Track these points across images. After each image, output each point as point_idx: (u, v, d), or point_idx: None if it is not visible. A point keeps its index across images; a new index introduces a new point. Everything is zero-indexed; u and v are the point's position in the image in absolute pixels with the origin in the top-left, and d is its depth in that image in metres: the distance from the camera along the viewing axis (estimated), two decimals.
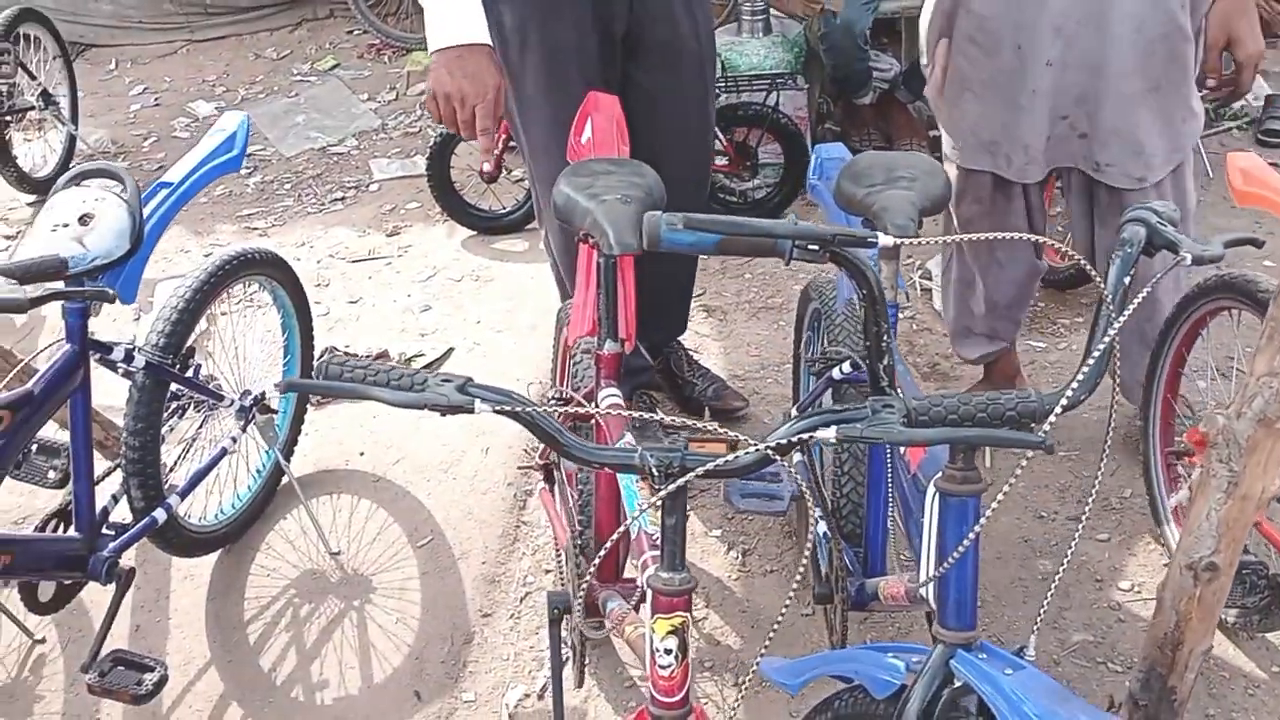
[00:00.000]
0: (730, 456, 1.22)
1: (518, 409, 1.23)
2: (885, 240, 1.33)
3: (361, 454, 2.89)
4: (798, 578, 1.30)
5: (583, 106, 2.17)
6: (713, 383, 2.93)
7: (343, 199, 4.29)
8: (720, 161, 3.78)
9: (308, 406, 2.87)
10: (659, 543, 1.31)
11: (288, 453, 2.75)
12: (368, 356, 3.20)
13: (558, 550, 2.28)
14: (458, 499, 2.73)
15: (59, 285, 1.94)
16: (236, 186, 4.37)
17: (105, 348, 2.13)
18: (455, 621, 2.40)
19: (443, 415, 1.23)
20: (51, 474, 2.22)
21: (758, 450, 1.20)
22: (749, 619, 2.36)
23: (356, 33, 5.67)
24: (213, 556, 2.57)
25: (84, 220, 1.99)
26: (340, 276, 3.74)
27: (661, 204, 1.87)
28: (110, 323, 3.40)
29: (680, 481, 1.21)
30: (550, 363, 2.94)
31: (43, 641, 2.39)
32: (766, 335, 3.28)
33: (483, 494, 2.74)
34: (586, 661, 2.02)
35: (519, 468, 2.75)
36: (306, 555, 2.59)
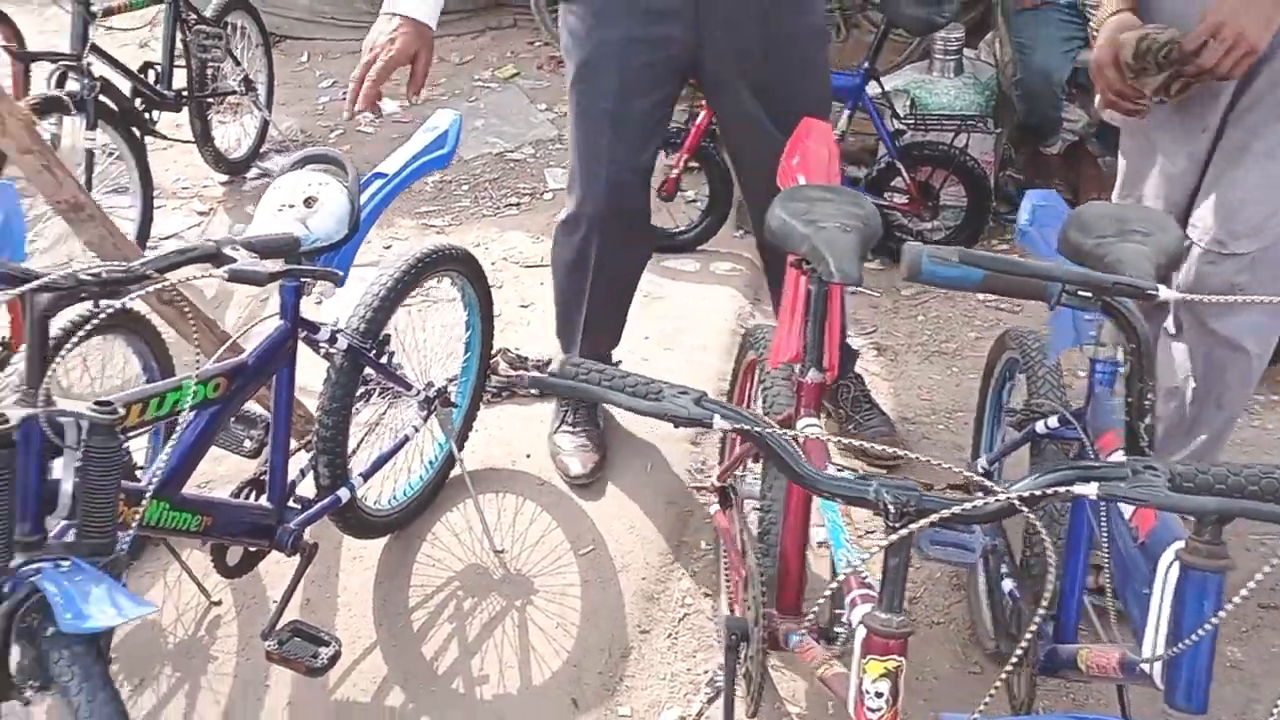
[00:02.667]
0: (973, 503, 1.19)
1: (755, 429, 1.23)
2: (1168, 294, 1.29)
3: (528, 456, 2.92)
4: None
5: (796, 132, 2.17)
6: (881, 427, 2.87)
7: (517, 204, 4.36)
8: (900, 200, 3.73)
9: (480, 403, 2.92)
10: (872, 581, 1.29)
11: (460, 444, 2.79)
12: (537, 362, 3.24)
13: (727, 574, 2.26)
14: (619, 512, 2.74)
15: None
16: (417, 184, 4.48)
17: (313, 327, 2.19)
18: (614, 634, 2.41)
19: (676, 426, 1.23)
20: (247, 443, 2.29)
21: (1002, 500, 1.17)
22: (912, 670, 2.30)
23: (537, 44, 5.77)
24: (381, 540, 2.63)
25: (309, 202, 2.06)
26: (513, 280, 3.80)
27: (878, 234, 1.84)
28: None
29: (917, 526, 1.18)
30: (725, 384, 2.94)
31: (219, 604, 2.47)
32: (939, 380, 3.22)
33: (646, 508, 2.74)
34: (763, 692, 1.99)
35: (693, 488, 2.75)
36: (471, 550, 2.63)
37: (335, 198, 2.08)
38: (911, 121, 3.73)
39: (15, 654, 1.58)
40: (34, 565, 1.58)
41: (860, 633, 1.32)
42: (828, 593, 1.19)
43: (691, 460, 2.90)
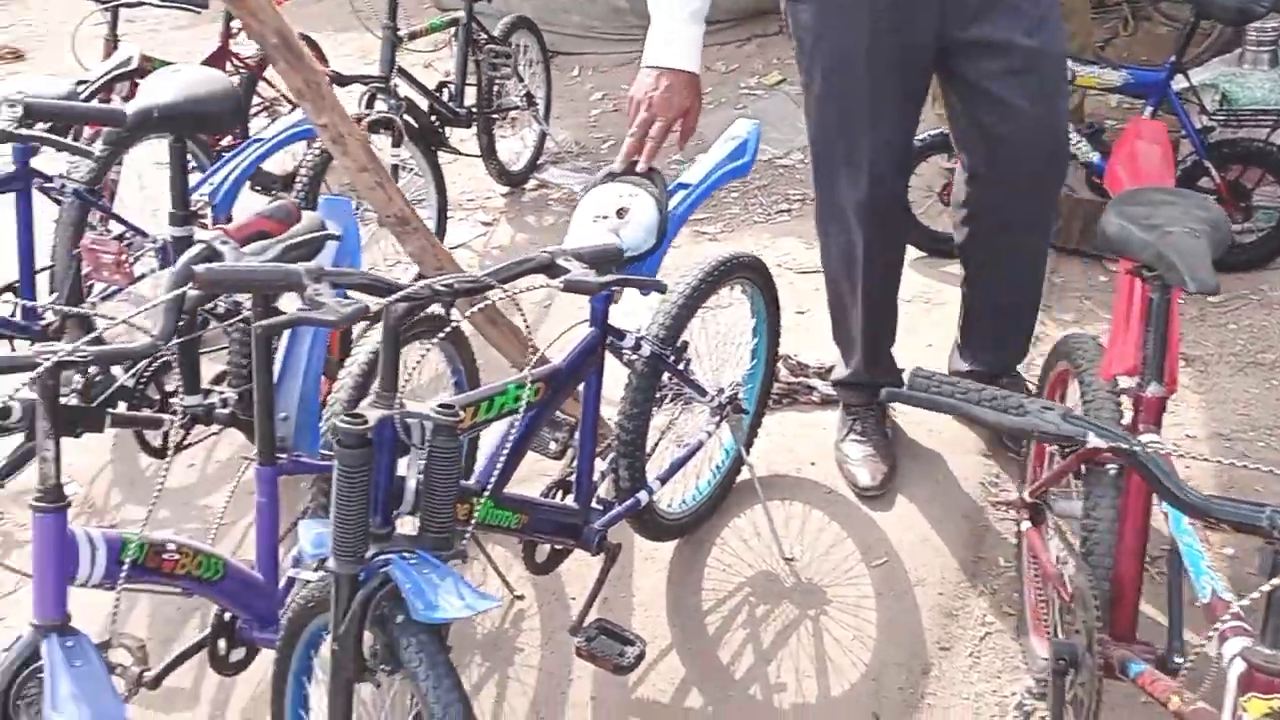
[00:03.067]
0: None
1: (1131, 448, 1.16)
2: None
3: (813, 464, 2.90)
4: None
5: (1125, 132, 2.06)
6: None
7: (788, 210, 4.35)
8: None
9: (765, 410, 2.92)
10: (1246, 611, 1.20)
11: (748, 449, 2.80)
12: (818, 369, 3.22)
13: (1040, 595, 2.17)
14: (911, 524, 2.68)
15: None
16: None
17: (619, 334, 2.25)
18: (913, 650, 2.35)
19: (1050, 445, 1.19)
20: (553, 445, 2.37)
21: None
22: None
23: None
24: (671, 543, 2.67)
25: (621, 213, 2.12)
26: (788, 286, 3.78)
27: (1227, 241, 1.72)
28: None
29: None
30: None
31: (522, 598, 2.57)
32: (1257, 394, 2.99)
33: (939, 521, 2.67)
34: None
35: (991, 502, 2.66)
36: (760, 556, 2.63)
37: (646, 208, 2.13)
38: (1222, 118, 3.48)
39: (368, 639, 1.69)
40: (385, 556, 1.68)
41: (1236, 667, 1.23)
42: (1219, 627, 1.11)
43: (984, 473, 2.80)
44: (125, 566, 1.74)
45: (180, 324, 2.60)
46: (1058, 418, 1.16)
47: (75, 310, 2.98)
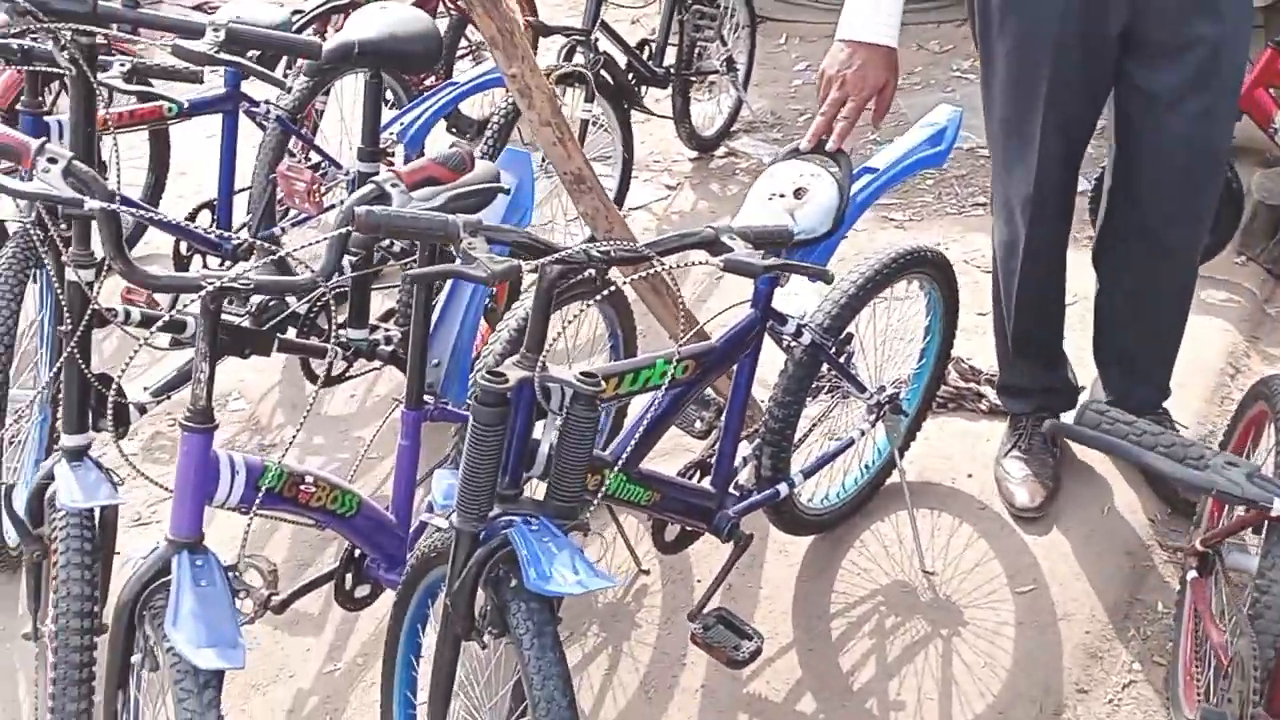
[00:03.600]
0: None
1: None
2: None
3: (969, 476, 2.76)
4: None
5: None
6: None
7: (985, 204, 4.14)
8: None
9: (928, 413, 2.79)
10: None
11: (901, 452, 2.68)
12: (989, 375, 3.05)
13: (1193, 652, 2.01)
14: (1068, 552, 2.52)
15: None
16: None
17: (780, 319, 2.18)
18: (1048, 687, 2.22)
19: (1232, 506, 1.06)
20: (699, 424, 2.33)
21: None
22: None
23: None
24: (808, 538, 2.59)
25: (798, 194, 2.03)
26: (971, 285, 3.60)
27: None
28: None
29: None
30: (1205, 428, 2.64)
31: (647, 573, 2.54)
32: None
33: (1096, 555, 2.50)
34: None
35: (1158, 542, 2.48)
36: (899, 564, 2.53)
37: (826, 191, 2.04)
38: None
39: (480, 599, 1.69)
40: (508, 518, 1.67)
41: None
42: None
43: (1155, 509, 2.61)
44: (261, 493, 1.78)
45: (356, 259, 2.69)
46: (1242, 477, 1.04)
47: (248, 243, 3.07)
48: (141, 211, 3.01)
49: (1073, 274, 2.65)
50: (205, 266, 3.23)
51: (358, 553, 2.16)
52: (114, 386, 1.91)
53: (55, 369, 2.43)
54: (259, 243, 3.20)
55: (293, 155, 3.35)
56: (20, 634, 2.23)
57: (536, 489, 1.75)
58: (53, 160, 1.46)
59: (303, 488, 1.88)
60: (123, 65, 2.18)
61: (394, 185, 1.67)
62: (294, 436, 1.98)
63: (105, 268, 2.02)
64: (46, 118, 2.54)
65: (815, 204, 2.01)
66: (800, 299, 2.36)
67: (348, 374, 2.91)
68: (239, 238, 3.24)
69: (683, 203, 4.34)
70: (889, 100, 2.22)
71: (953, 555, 2.55)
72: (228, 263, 3.23)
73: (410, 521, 2.19)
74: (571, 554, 1.61)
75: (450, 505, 1.78)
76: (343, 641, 2.48)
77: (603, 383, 1.66)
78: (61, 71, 1.99)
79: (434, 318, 2.26)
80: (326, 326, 2.79)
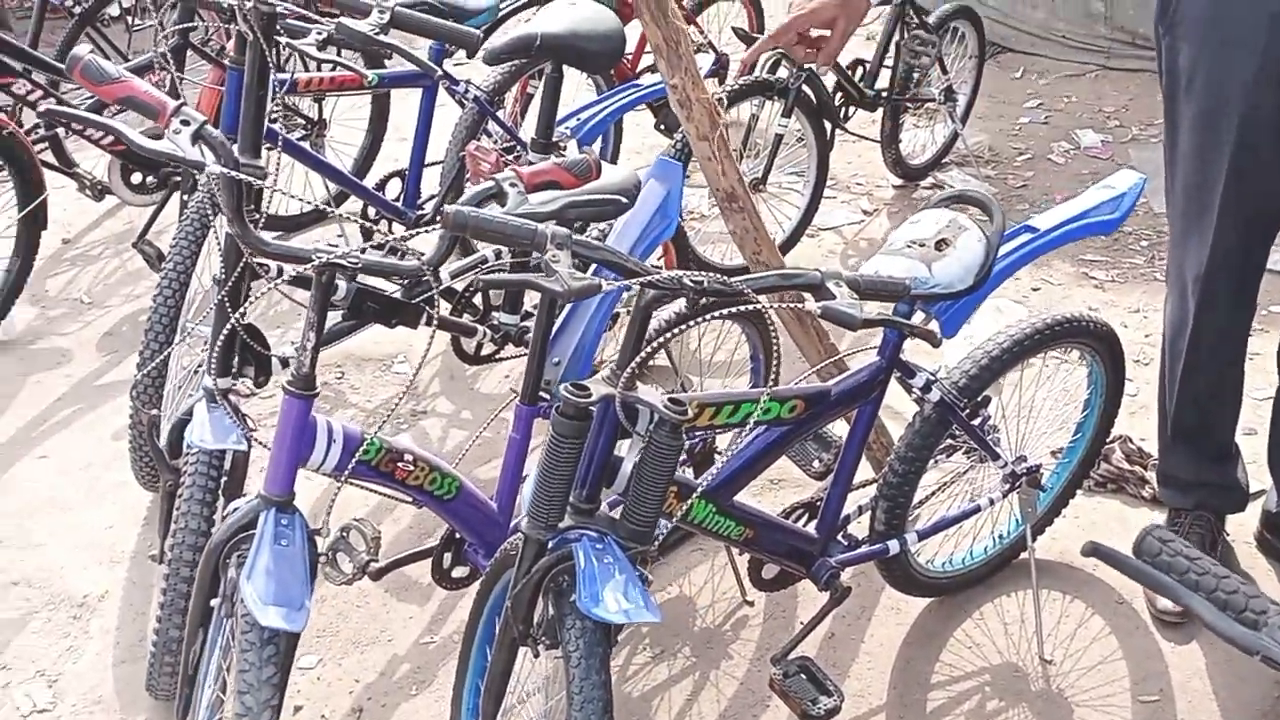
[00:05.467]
0: None
1: None
2: None
3: None
4: None
5: None
6: None
7: None
8: None
9: (1076, 492, 2.61)
10: None
11: (1038, 529, 2.53)
12: (1156, 462, 2.83)
13: None
14: (1202, 668, 2.31)
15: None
16: None
17: (909, 371, 2.08)
18: None
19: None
20: (817, 464, 2.26)
21: None
22: None
23: None
24: (923, 600, 2.47)
25: (940, 245, 1.93)
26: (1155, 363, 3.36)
27: None
28: None
29: None
30: None
31: (751, 604, 2.48)
32: None
33: (1237, 678, 2.28)
34: None
35: None
36: (1015, 646, 2.38)
37: (970, 246, 1.93)
38: None
39: (540, 607, 1.69)
40: (578, 532, 1.66)
41: None
42: None
43: None
44: (355, 462, 1.83)
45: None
46: None
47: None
48: (332, 174, 3.19)
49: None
50: (390, 232, 3.37)
51: (458, 535, 2.20)
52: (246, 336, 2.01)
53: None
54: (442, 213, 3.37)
55: (489, 135, 3.44)
56: (147, 555, 2.39)
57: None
58: (185, 123, 1.55)
59: (400, 465, 1.92)
60: (319, 34, 2.29)
61: (512, 185, 1.68)
62: (393, 410, 2.03)
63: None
64: None
65: (956, 258, 1.90)
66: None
67: (497, 356, 2.98)
68: (424, 209, 3.38)
69: (875, 230, 4.22)
70: (838, 44, 2.03)
71: (1076, 647, 2.38)
72: (410, 231, 3.37)
73: (512, 512, 2.21)
74: (628, 581, 1.58)
75: None
76: (444, 616, 2.53)
77: (689, 410, 1.63)
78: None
79: (561, 315, 2.27)
80: (482, 307, 2.86)
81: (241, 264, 2.09)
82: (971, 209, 2.05)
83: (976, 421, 2.18)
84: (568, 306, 2.25)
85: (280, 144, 2.43)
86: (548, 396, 2.20)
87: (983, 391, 2.17)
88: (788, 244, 3.84)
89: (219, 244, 2.66)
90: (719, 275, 1.53)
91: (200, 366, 2.80)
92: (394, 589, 2.57)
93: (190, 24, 3.41)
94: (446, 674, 2.39)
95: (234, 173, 1.53)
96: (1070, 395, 2.53)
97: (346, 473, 1.82)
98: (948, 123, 4.58)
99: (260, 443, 1.87)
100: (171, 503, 2.30)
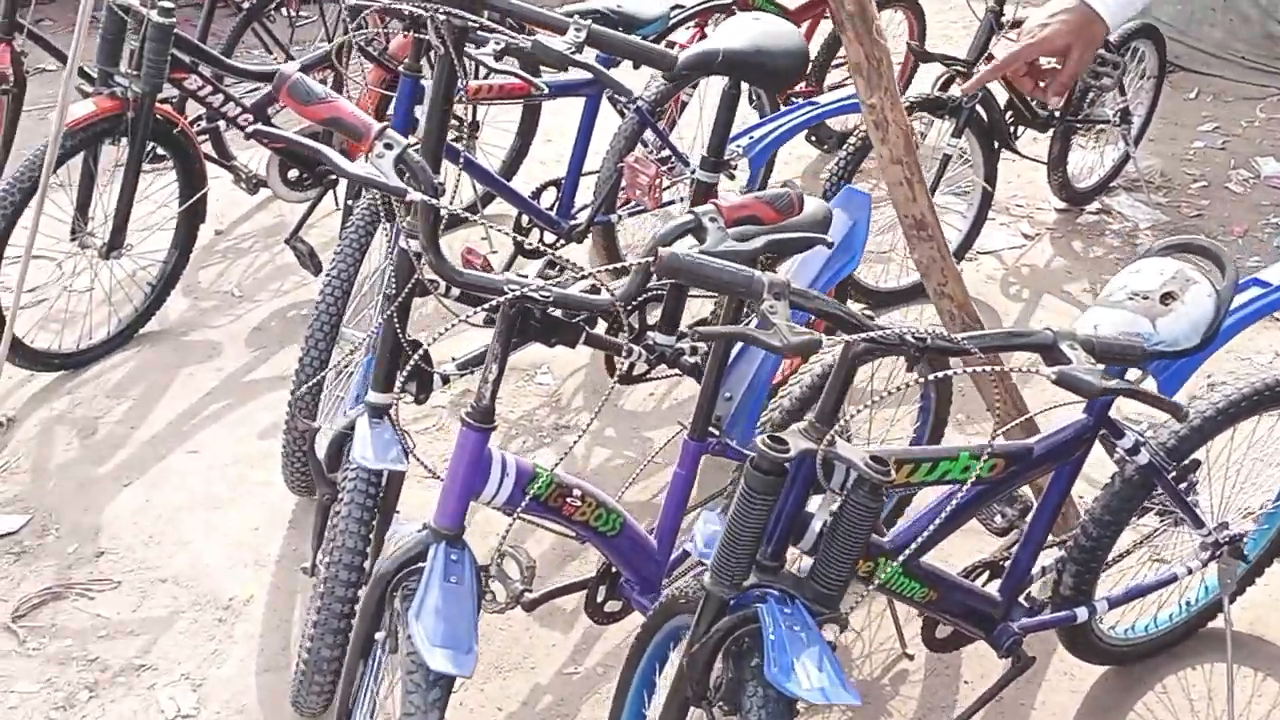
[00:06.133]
0: None
1: None
2: None
3: None
4: None
5: None
6: None
7: None
8: None
9: (1275, 560, 2.41)
10: None
11: (1232, 598, 2.33)
12: None
13: None
14: None
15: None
16: None
17: (1116, 430, 1.92)
18: None
19: None
20: (999, 519, 2.10)
21: None
22: None
23: None
24: (1101, 667, 2.31)
25: (1165, 299, 1.77)
26: None
27: None
28: None
29: None
30: None
31: (911, 658, 2.35)
32: None
33: None
34: None
35: None
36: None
37: (1200, 302, 1.77)
38: None
39: (718, 667, 1.59)
40: (763, 591, 1.56)
41: None
42: None
43: None
44: (527, 498, 1.75)
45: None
46: None
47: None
48: (489, 182, 3.13)
49: None
50: (542, 240, 3.31)
51: (613, 568, 2.12)
52: (421, 352, 1.95)
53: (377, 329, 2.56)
54: (596, 227, 3.29)
55: (645, 145, 3.35)
56: (300, 567, 2.36)
57: (799, 560, 1.63)
58: (388, 146, 1.48)
59: (568, 500, 1.84)
60: (496, 44, 2.22)
61: (712, 219, 1.58)
62: (574, 443, 1.95)
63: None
64: (423, 81, 2.64)
65: (1184, 314, 1.74)
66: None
67: (648, 375, 2.89)
68: (577, 219, 3.31)
69: (1038, 256, 4.02)
70: (1067, 78, 1.79)
71: None
72: (562, 241, 3.30)
73: (672, 549, 2.12)
74: (821, 652, 1.47)
75: (710, 555, 1.69)
76: (588, 646, 2.45)
77: (893, 471, 1.51)
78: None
79: (734, 349, 2.17)
80: (637, 327, 2.77)
81: (413, 280, 2.04)
82: (1196, 258, 1.88)
83: (1183, 486, 2.01)
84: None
85: (462, 162, 2.37)
86: (717, 432, 2.11)
87: (1192, 454, 1.99)
88: None
89: (389, 253, 2.64)
90: (941, 332, 1.40)
91: (352, 368, 2.78)
92: (538, 613, 2.50)
93: (359, 26, 3.39)
94: (591, 709, 2.32)
95: (437, 202, 1.46)
96: (1275, 456, 2.33)
97: (520, 508, 1.74)
98: (1118, 145, 4.34)
99: (420, 461, 1.80)
100: (326, 516, 2.26)
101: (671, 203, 3.36)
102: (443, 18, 1.92)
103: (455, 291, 2.31)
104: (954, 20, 5.55)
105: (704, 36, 3.99)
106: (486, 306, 1.56)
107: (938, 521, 1.77)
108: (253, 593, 2.60)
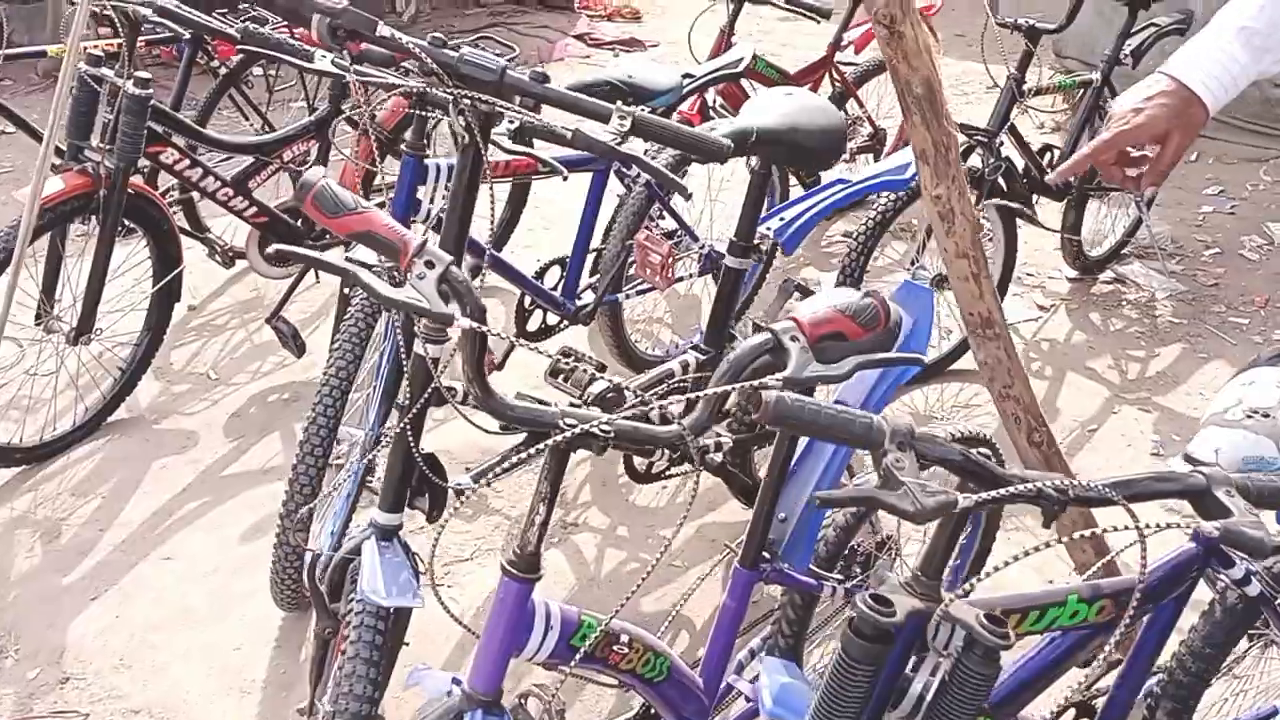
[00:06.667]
0: None
1: None
2: None
3: None
4: None
5: None
6: None
7: None
8: None
9: None
10: None
11: None
12: None
13: None
14: None
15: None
16: None
17: (1227, 561, 1.72)
18: None
19: None
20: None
21: None
22: None
23: None
24: None
25: None
26: None
27: None
28: None
29: None
30: None
31: None
32: None
33: None
34: None
35: None
36: None
37: None
38: None
39: None
40: None
41: None
42: None
43: None
44: (577, 653, 1.53)
45: (705, 358, 2.44)
46: None
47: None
48: (496, 264, 2.92)
49: None
50: (544, 323, 3.10)
51: (651, 710, 1.89)
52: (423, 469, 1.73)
53: (374, 430, 2.34)
54: (602, 308, 3.09)
55: (651, 219, 3.17)
56: (295, 708, 2.11)
57: None
58: (429, 264, 1.26)
59: (616, 649, 1.62)
60: (511, 123, 2.02)
61: (794, 339, 1.38)
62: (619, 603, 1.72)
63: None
64: (426, 160, 2.44)
65: None
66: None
67: (668, 473, 2.68)
68: (583, 299, 3.11)
69: (1056, 329, 3.86)
70: (1170, 162, 1.63)
71: None
72: (565, 323, 3.09)
73: (718, 685, 1.90)
74: None
75: (781, 717, 1.47)
76: None
77: (1011, 633, 1.30)
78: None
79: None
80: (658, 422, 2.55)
81: (429, 390, 1.81)
82: None
83: None
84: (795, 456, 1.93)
85: (488, 260, 2.16)
86: (769, 560, 1.89)
87: None
88: (964, 344, 3.50)
89: (383, 350, 2.42)
90: (1082, 482, 1.20)
91: (350, 472, 2.54)
92: None
93: (344, 94, 3.19)
94: None
95: (487, 328, 1.24)
96: None
97: (571, 664, 1.51)
98: (1128, 210, 4.21)
99: (450, 612, 1.57)
100: (325, 649, 2.02)
101: (681, 279, 3.17)
102: (466, 101, 1.71)
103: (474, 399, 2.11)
104: (967, 84, 5.45)
105: (703, 105, 3.83)
106: (542, 446, 1.34)
107: (1035, 671, 1.56)
108: None
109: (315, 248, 3.42)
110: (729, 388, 1.34)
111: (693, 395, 1.33)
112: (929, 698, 1.35)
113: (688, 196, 1.81)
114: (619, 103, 1.73)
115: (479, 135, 1.73)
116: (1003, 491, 1.15)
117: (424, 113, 2.22)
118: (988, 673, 1.31)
